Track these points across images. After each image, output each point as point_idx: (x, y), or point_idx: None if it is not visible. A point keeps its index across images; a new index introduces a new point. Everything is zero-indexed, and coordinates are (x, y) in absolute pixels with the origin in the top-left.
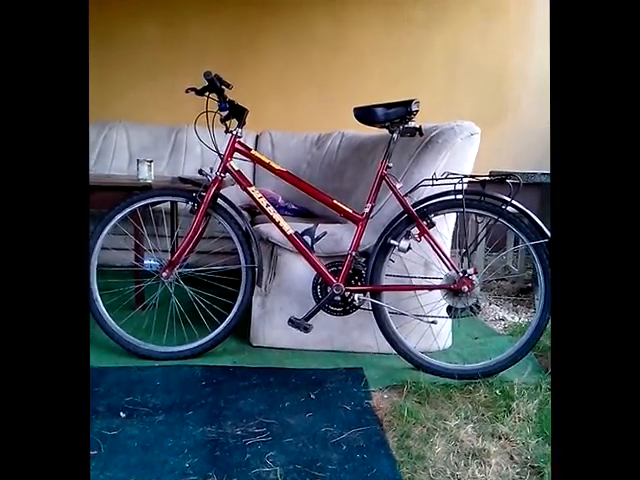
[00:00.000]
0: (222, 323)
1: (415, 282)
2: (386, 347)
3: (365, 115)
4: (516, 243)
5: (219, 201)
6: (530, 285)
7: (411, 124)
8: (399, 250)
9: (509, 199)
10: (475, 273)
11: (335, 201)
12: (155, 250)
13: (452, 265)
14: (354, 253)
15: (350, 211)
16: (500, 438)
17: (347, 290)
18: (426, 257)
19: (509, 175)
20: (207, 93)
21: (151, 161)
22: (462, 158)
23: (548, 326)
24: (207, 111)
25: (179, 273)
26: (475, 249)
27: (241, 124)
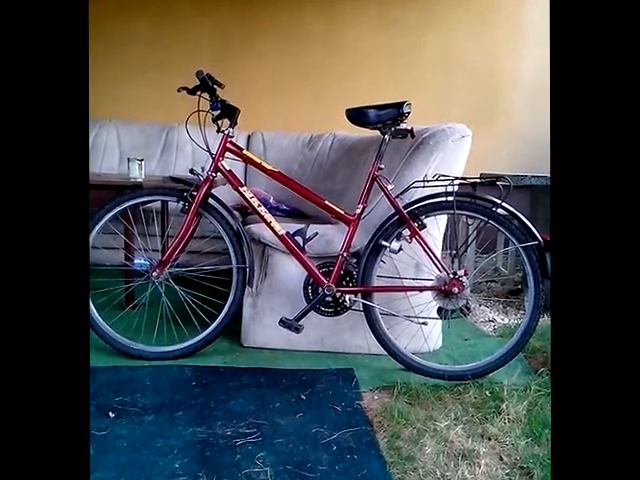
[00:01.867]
0: (213, 323)
1: (406, 283)
2: (377, 348)
3: (357, 116)
4: (506, 245)
5: (210, 201)
6: (520, 287)
7: (403, 126)
8: (390, 251)
9: (499, 201)
10: (465, 275)
11: (327, 202)
12: (145, 249)
13: (443, 267)
14: (345, 254)
15: (342, 212)
16: (490, 439)
17: (338, 291)
18: (417, 258)
19: (500, 177)
20: (199, 92)
21: (142, 160)
22: (453, 160)
23: (538, 328)
24: (199, 110)
25: (170, 273)
26: (465, 251)
27: (233, 124)
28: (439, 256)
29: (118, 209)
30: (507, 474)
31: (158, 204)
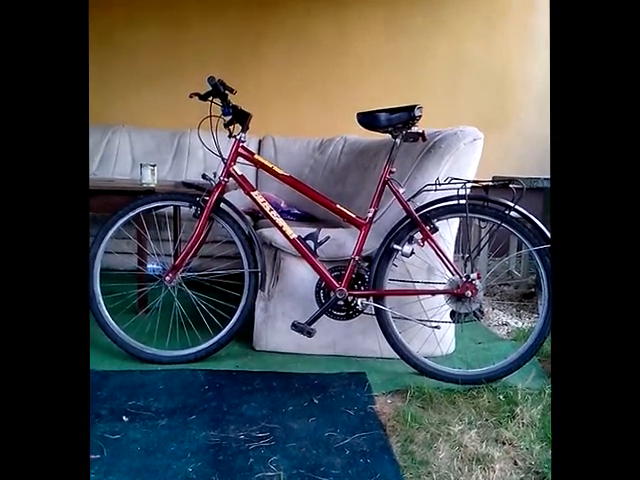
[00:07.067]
0: (225, 327)
1: (418, 287)
2: (389, 352)
3: (368, 120)
4: (519, 248)
5: (222, 205)
6: (533, 290)
7: (414, 129)
8: (402, 255)
9: (512, 204)
10: (478, 278)
11: (338, 205)
12: (158, 254)
13: (455, 270)
14: (357, 258)
15: (353, 216)
16: (504, 443)
17: (350, 295)
18: (429, 262)
19: (512, 180)
20: (211, 98)
21: (154, 165)
22: (465, 163)
23: None
24: (211, 116)
25: (182, 277)
26: (478, 254)
27: (244, 129)
28: (451, 259)
29: (131, 214)
30: (522, 479)
31: (170, 209)
